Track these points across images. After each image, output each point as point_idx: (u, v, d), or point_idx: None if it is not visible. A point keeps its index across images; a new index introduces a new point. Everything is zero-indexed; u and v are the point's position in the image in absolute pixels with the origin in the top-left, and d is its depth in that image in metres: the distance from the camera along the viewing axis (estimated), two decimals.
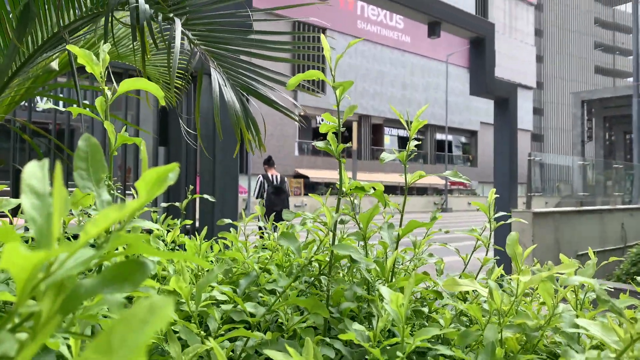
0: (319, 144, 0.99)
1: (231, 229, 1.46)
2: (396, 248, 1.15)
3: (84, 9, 1.77)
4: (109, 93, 0.78)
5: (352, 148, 36.07)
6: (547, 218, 8.47)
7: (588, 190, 14.04)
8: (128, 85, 0.78)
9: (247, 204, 27.93)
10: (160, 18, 1.52)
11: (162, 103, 0.79)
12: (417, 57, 49.35)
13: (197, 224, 4.19)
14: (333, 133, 1.05)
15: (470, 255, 1.41)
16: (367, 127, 45.21)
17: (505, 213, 1.48)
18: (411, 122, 1.24)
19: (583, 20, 77.06)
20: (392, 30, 47.16)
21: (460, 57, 49.00)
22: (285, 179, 8.33)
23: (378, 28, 46.04)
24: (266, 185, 7.99)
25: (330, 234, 0.94)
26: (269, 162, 8.27)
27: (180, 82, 2.81)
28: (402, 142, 50.32)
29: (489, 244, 1.31)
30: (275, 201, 7.79)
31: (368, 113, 44.94)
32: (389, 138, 49.62)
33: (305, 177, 39.81)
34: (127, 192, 4.19)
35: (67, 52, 1.92)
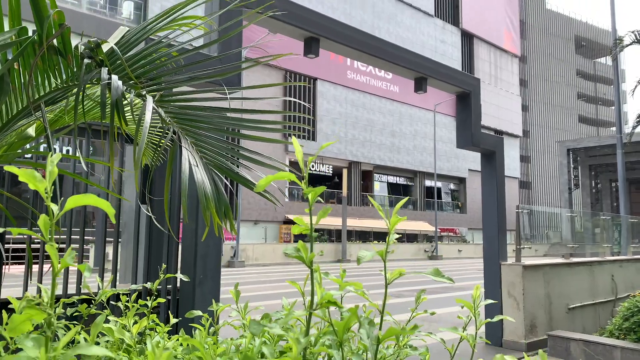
0: (289, 252, 0.92)
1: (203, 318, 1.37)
2: (376, 350, 1.07)
3: (58, 81, 1.74)
4: (55, 208, 0.72)
5: (342, 194, 36.08)
6: (538, 271, 8.36)
7: (577, 241, 14.04)
8: (76, 201, 0.71)
9: (235, 251, 27.52)
10: (132, 95, 1.49)
11: (113, 221, 0.72)
12: (406, 106, 50.44)
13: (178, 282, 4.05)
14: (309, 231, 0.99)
15: (455, 349, 1.33)
16: (357, 174, 45.49)
17: (492, 301, 1.41)
18: (391, 214, 1.19)
19: (565, 72, 79.69)
20: (380, 80, 48.37)
21: (448, 106, 50.13)
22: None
23: (367, 78, 47.21)
24: None
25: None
26: None
27: (164, 142, 2.77)
28: (392, 188, 50.65)
29: (474, 344, 1.23)
30: None
31: (358, 160, 45.34)
32: (379, 184, 49.92)
33: (295, 224, 39.53)
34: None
35: (42, 118, 1.87)
